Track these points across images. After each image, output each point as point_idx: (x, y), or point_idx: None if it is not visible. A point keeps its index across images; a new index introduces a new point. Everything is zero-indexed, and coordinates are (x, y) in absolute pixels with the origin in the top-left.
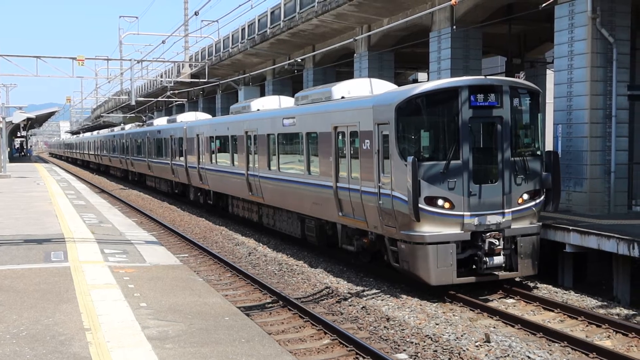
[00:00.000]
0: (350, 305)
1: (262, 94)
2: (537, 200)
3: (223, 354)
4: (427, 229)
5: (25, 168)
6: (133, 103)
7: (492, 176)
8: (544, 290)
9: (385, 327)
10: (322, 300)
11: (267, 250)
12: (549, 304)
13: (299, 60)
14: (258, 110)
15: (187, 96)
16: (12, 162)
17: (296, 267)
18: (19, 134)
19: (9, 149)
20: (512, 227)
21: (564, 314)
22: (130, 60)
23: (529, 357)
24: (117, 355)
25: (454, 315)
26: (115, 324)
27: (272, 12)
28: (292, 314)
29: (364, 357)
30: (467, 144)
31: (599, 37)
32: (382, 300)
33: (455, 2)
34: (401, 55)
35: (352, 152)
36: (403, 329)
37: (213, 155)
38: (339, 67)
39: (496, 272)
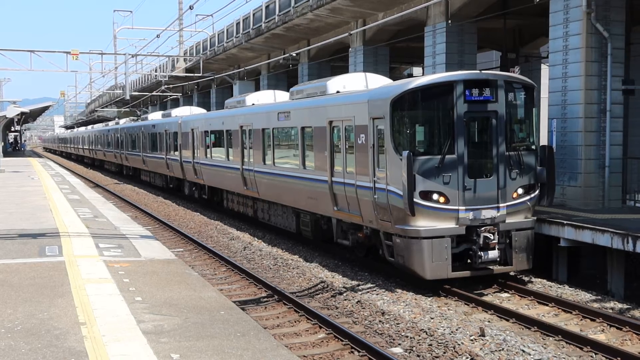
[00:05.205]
0: (345, 300)
1: (257, 89)
2: (532, 195)
3: (219, 347)
4: (422, 224)
5: (19, 162)
6: (127, 97)
7: (487, 170)
8: (539, 284)
9: (380, 321)
10: (317, 294)
11: (262, 244)
12: (543, 298)
13: (294, 54)
14: (253, 104)
15: (181, 90)
16: (5, 157)
17: (291, 262)
18: (12, 129)
19: (2, 143)
20: (506, 221)
21: (559, 308)
22: (124, 54)
23: (523, 351)
24: (112, 349)
25: (448, 309)
26: (110, 318)
27: (267, 7)
28: (287, 308)
29: (359, 351)
30: (462, 138)
31: (594, 31)
32: (377, 294)
33: None
34: (396, 50)
35: (347, 146)
36: (398, 323)
37: (208, 150)
38: (334, 62)
39: (491, 267)
